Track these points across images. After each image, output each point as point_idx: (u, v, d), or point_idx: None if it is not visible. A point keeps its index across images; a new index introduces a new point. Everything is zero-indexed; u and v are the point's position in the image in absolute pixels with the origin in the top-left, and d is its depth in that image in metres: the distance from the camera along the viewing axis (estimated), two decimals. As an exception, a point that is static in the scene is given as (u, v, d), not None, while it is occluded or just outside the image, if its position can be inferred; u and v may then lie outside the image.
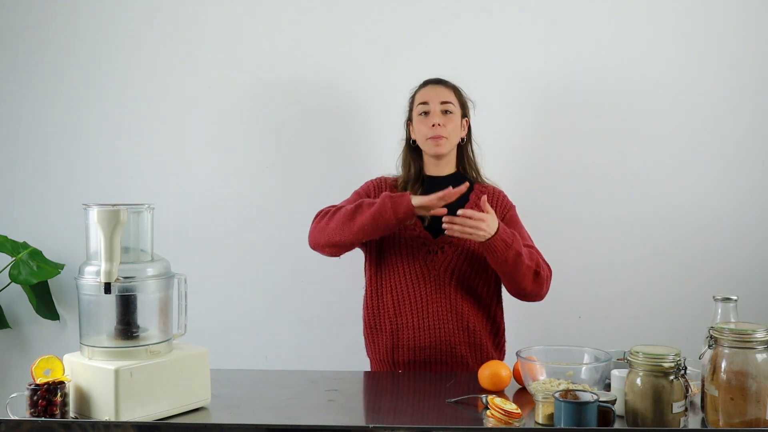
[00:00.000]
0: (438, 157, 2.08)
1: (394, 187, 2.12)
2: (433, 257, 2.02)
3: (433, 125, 2.03)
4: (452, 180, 2.11)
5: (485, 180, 2.17)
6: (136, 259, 1.57)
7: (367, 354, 2.13)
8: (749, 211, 2.53)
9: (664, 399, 1.39)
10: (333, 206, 2.03)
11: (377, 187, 2.12)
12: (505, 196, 2.15)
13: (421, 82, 2.14)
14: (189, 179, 2.62)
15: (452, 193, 1.84)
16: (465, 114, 2.13)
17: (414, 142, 2.12)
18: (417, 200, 1.87)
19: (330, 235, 1.95)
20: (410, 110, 2.14)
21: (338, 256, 2.02)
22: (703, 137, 2.53)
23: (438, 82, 2.12)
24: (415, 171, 2.12)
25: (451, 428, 1.50)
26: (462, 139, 2.12)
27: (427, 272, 2.02)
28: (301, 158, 2.60)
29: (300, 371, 1.96)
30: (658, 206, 2.54)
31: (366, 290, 2.12)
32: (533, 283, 1.97)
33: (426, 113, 2.06)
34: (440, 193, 1.85)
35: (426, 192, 2.06)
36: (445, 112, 2.06)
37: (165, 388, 1.52)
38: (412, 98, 2.14)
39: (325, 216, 1.99)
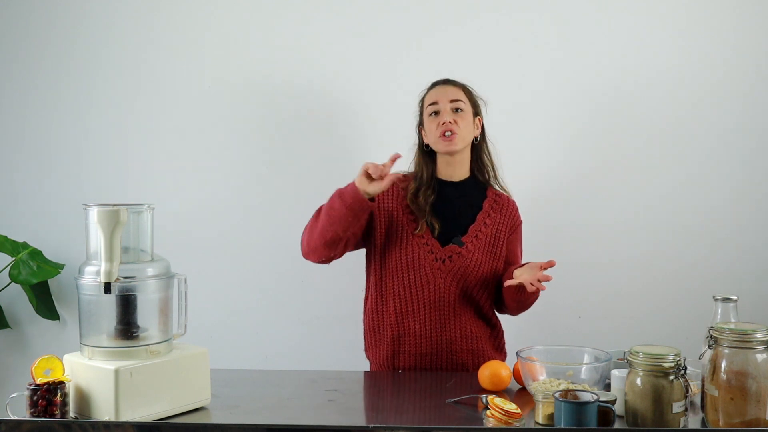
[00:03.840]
0: (451, 154, 2.04)
1: (404, 189, 2.06)
2: (440, 265, 2.01)
3: (444, 123, 2.01)
4: (466, 185, 2.09)
5: (501, 185, 2.14)
6: (136, 259, 1.57)
7: (367, 356, 2.12)
8: (749, 211, 2.53)
9: (664, 399, 1.39)
10: None
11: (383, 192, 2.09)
12: (516, 210, 2.13)
13: (430, 84, 2.12)
14: (189, 179, 2.62)
15: (390, 162, 1.83)
16: (477, 113, 2.10)
17: (427, 146, 2.09)
18: (357, 177, 1.86)
19: (307, 242, 1.97)
20: (420, 113, 2.11)
21: (327, 261, 2.00)
22: (703, 138, 2.53)
23: (446, 81, 2.10)
24: (428, 175, 2.07)
25: (451, 428, 1.50)
26: (476, 138, 2.10)
27: (432, 279, 2.01)
28: (301, 158, 2.60)
29: (300, 371, 1.96)
30: (659, 206, 2.54)
31: (367, 294, 2.10)
32: (520, 312, 2.09)
33: (436, 113, 2.03)
34: (370, 165, 1.83)
35: (439, 197, 2.04)
36: (456, 110, 2.03)
37: (165, 388, 1.52)
38: (422, 101, 2.11)
39: (306, 227, 2.01)
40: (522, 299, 1.98)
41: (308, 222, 1.99)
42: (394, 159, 1.84)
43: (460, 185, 2.09)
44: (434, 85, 2.11)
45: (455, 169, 2.08)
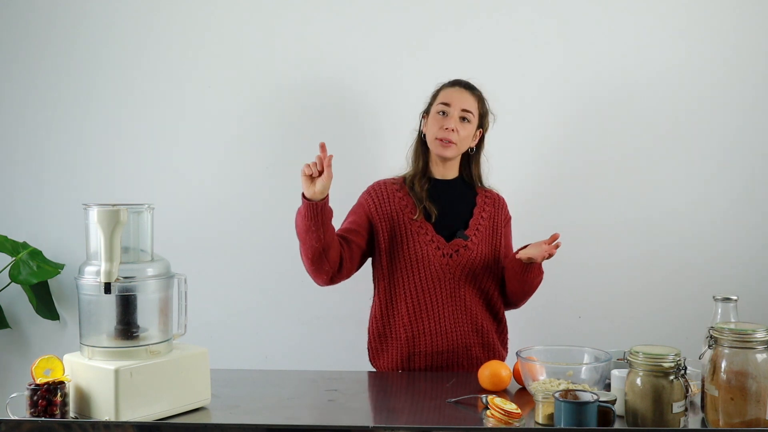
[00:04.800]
0: (442, 159, 2.08)
1: (398, 189, 2.09)
2: (448, 260, 2.02)
3: (447, 128, 2.02)
4: (455, 184, 2.12)
5: (486, 185, 2.17)
6: (136, 259, 1.57)
7: (374, 365, 2.11)
8: (749, 211, 2.53)
9: (664, 399, 1.39)
10: None
11: (378, 194, 2.09)
12: (506, 205, 2.17)
13: (451, 80, 2.12)
14: (189, 179, 2.61)
15: (322, 151, 1.84)
16: (481, 125, 2.11)
17: (424, 136, 2.11)
18: (303, 186, 1.87)
19: (306, 270, 2.00)
20: (430, 104, 2.12)
21: (332, 280, 2.01)
22: (703, 138, 2.53)
23: (467, 87, 2.10)
24: (423, 165, 2.11)
25: (451, 428, 1.50)
26: (471, 149, 2.12)
27: (442, 275, 2.02)
28: (301, 158, 2.57)
29: (300, 371, 1.96)
30: (659, 206, 2.54)
31: (375, 300, 2.11)
32: (525, 302, 2.12)
33: (444, 113, 2.05)
34: (304, 167, 1.85)
35: (432, 190, 2.07)
36: (463, 119, 2.04)
37: (165, 388, 1.52)
38: (436, 93, 2.12)
39: None
40: (527, 279, 1.99)
41: None
42: (323, 146, 1.85)
43: (451, 183, 2.12)
44: (455, 84, 2.11)
45: (447, 169, 2.12)
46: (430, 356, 2.01)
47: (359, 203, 2.13)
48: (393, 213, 2.06)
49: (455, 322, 2.01)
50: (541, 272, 2.02)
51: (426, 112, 2.13)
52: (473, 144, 2.11)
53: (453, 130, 2.02)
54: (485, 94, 2.13)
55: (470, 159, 2.14)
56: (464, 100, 2.06)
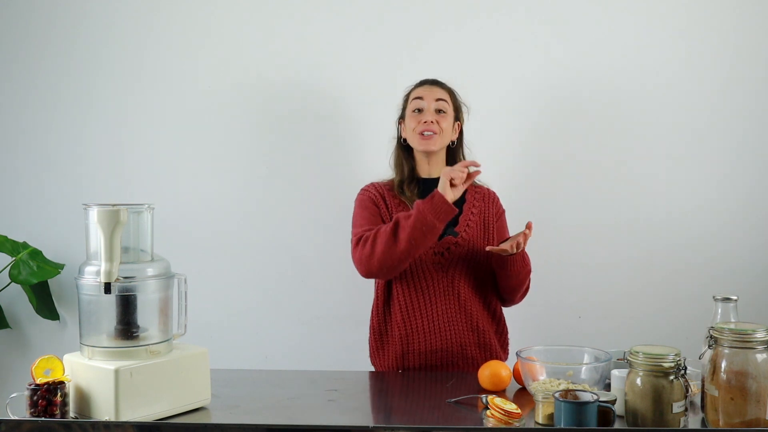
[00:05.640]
0: (428, 154, 2.08)
1: (390, 189, 2.10)
2: (440, 258, 2.02)
3: (425, 121, 2.03)
4: None
5: (476, 182, 2.17)
6: (136, 259, 1.57)
7: (373, 363, 2.12)
8: (749, 211, 2.53)
9: (664, 399, 1.39)
10: (365, 230, 1.98)
11: (378, 193, 2.09)
12: (498, 199, 2.17)
13: (417, 81, 2.15)
14: (189, 179, 2.62)
15: (470, 163, 1.89)
16: (458, 117, 2.13)
17: (404, 141, 2.12)
18: (441, 186, 1.88)
19: (381, 259, 1.91)
20: (403, 108, 2.14)
21: (392, 277, 2.01)
22: (703, 138, 2.53)
23: (434, 82, 2.13)
24: (408, 170, 2.11)
25: (451, 428, 1.50)
26: (453, 142, 2.12)
27: (435, 273, 2.02)
28: (300, 158, 2.60)
29: (300, 371, 1.96)
30: (659, 206, 2.54)
31: (375, 298, 2.11)
32: (519, 297, 2.10)
33: (420, 110, 2.06)
34: (460, 165, 1.90)
35: (422, 193, 2.06)
36: (439, 111, 2.06)
37: (165, 388, 1.52)
38: (407, 96, 2.14)
39: (365, 243, 1.94)
40: (512, 273, 1.98)
41: (362, 246, 1.94)
42: (474, 165, 1.90)
43: (437, 181, 2.10)
44: (422, 83, 2.13)
45: (432, 167, 2.11)
46: (424, 355, 2.01)
47: (363, 199, 2.10)
48: (389, 214, 2.06)
49: (450, 320, 2.01)
50: (525, 265, 2.01)
51: (401, 117, 2.14)
52: (454, 137, 2.12)
53: (433, 122, 2.03)
54: (454, 87, 2.14)
55: (454, 155, 2.15)
56: (435, 92, 2.08)
